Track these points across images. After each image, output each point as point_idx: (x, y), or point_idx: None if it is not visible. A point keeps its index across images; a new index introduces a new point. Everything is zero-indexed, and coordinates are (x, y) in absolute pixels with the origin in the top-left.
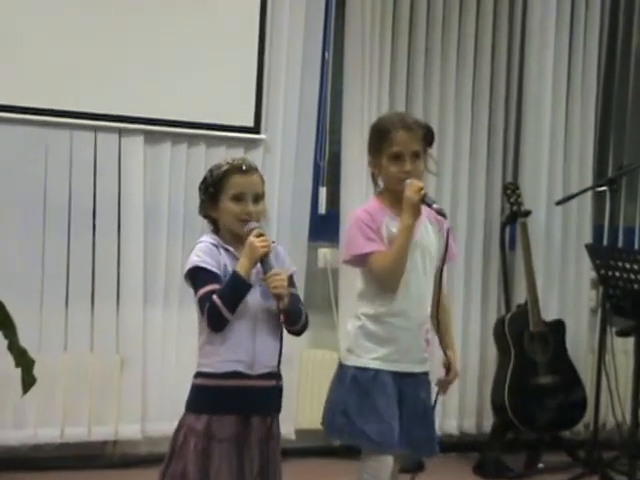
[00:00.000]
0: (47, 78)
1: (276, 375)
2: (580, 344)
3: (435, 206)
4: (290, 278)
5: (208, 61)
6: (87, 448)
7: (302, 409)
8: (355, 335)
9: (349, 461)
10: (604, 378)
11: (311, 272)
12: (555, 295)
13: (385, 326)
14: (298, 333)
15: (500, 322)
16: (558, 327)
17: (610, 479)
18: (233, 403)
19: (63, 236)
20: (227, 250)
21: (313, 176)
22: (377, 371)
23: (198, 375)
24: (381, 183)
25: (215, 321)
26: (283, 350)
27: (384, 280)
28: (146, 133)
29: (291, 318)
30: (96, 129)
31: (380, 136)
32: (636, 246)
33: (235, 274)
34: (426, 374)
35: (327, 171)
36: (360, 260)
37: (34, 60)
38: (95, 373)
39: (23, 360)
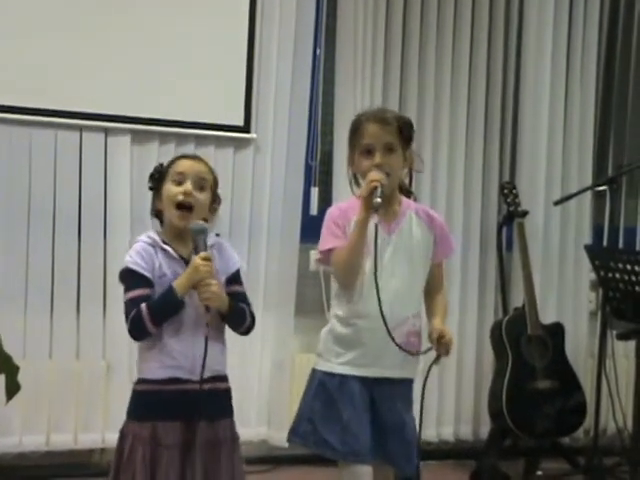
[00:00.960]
0: (31, 76)
1: (221, 378)
2: (580, 348)
3: (374, 201)
4: (236, 275)
5: (197, 58)
6: (73, 456)
7: (294, 414)
8: (325, 338)
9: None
10: (604, 382)
11: (302, 275)
12: (553, 297)
13: (352, 328)
14: (245, 333)
15: (497, 325)
16: (557, 330)
17: None
18: (176, 409)
19: (48, 239)
20: (164, 250)
21: (304, 176)
22: (344, 377)
23: (138, 381)
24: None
25: (136, 331)
26: (275, 355)
27: (338, 277)
28: (133, 132)
29: (232, 322)
30: (81, 128)
31: (353, 130)
32: (637, 247)
33: (170, 289)
34: (406, 381)
35: (319, 171)
36: (327, 257)
37: (17, 58)
38: (81, 379)
39: (7, 366)
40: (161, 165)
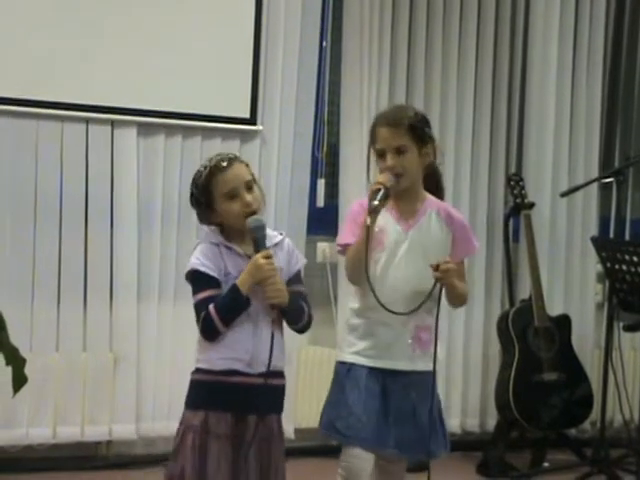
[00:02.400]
0: (37, 68)
1: (279, 374)
2: (586, 340)
3: (372, 202)
4: (297, 274)
5: (203, 51)
6: (80, 448)
7: (301, 408)
8: (343, 330)
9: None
10: (611, 374)
11: (309, 267)
12: (560, 289)
13: (364, 320)
14: (300, 331)
15: (504, 317)
16: (563, 322)
17: (618, 478)
18: (230, 400)
19: (54, 231)
20: (229, 248)
21: (311, 168)
22: (353, 365)
23: (196, 371)
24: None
25: (208, 332)
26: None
27: (346, 273)
28: (139, 125)
29: (290, 318)
30: (88, 121)
31: (370, 134)
32: None
33: (235, 289)
34: (421, 373)
35: (325, 163)
36: (344, 251)
37: (23, 50)
38: (88, 372)
39: (14, 359)
40: (196, 186)
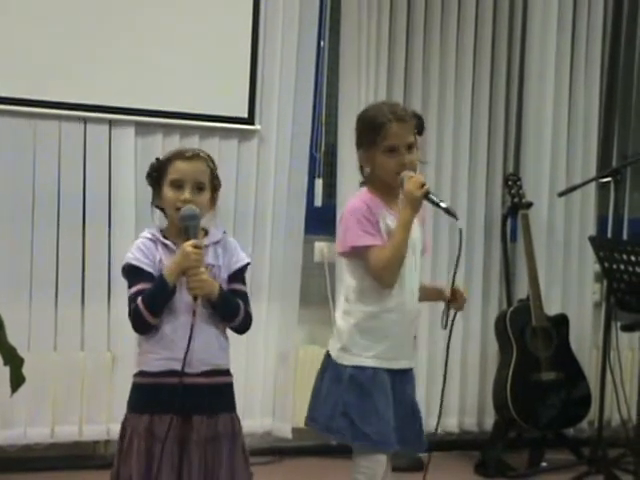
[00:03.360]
0: (35, 68)
1: (221, 372)
2: (584, 339)
3: (443, 205)
4: (238, 272)
5: (201, 50)
6: (78, 448)
7: (299, 407)
8: (350, 333)
9: (346, 460)
10: (609, 374)
11: (307, 266)
12: (558, 289)
13: (381, 322)
14: (238, 331)
15: (501, 317)
16: (561, 322)
17: (615, 478)
18: (172, 402)
19: (52, 231)
20: (165, 245)
21: (309, 168)
22: (375, 369)
23: (136, 374)
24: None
25: (138, 324)
26: (279, 347)
27: (382, 276)
28: (137, 124)
29: (221, 314)
30: (86, 120)
31: (373, 129)
32: None
33: (161, 278)
34: (412, 369)
35: (323, 162)
36: (357, 253)
37: (21, 49)
38: (86, 371)
39: (12, 358)
40: (157, 161)
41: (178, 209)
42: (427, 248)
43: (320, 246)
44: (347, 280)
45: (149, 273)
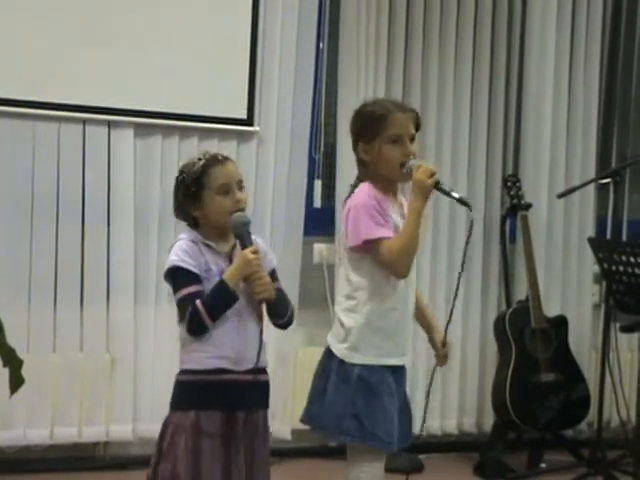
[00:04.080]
0: (34, 69)
1: (263, 370)
2: (583, 340)
3: (455, 194)
4: (272, 273)
5: (200, 51)
6: (77, 449)
7: (298, 409)
8: (360, 332)
9: (345, 461)
10: (608, 375)
11: (306, 268)
12: (557, 290)
13: (390, 320)
14: (284, 326)
15: (500, 318)
16: (560, 323)
17: (615, 479)
18: (218, 398)
19: (51, 232)
20: (208, 246)
21: (308, 169)
22: (383, 368)
23: (182, 372)
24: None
25: (196, 328)
26: (279, 349)
27: (397, 266)
28: (136, 125)
29: (276, 312)
30: (85, 121)
31: (376, 120)
32: None
33: (223, 284)
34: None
35: (322, 164)
36: (369, 246)
37: (20, 51)
38: (85, 373)
39: (11, 360)
40: (187, 173)
41: (233, 212)
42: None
43: (319, 247)
44: (352, 277)
45: (197, 275)
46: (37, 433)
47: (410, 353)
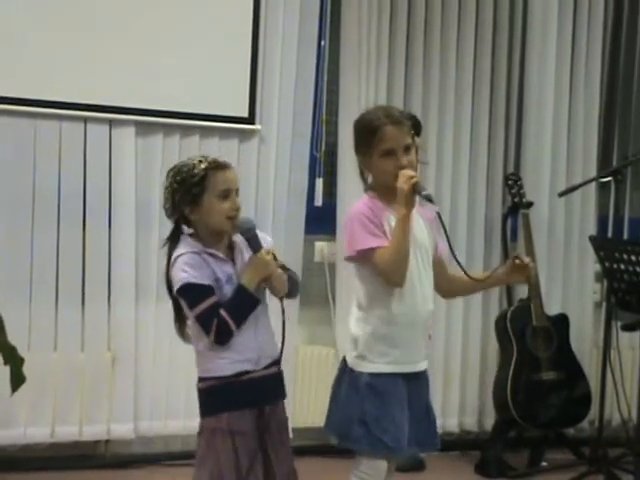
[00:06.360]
0: (36, 68)
1: (278, 361)
2: (584, 339)
3: (424, 192)
4: (274, 256)
5: (201, 50)
6: (78, 448)
7: (299, 407)
8: (366, 340)
9: (346, 460)
10: (609, 374)
11: (307, 266)
12: (558, 289)
13: (396, 327)
14: (295, 296)
15: (502, 317)
16: (562, 321)
17: (616, 477)
18: (246, 398)
19: (52, 231)
20: (211, 254)
21: (309, 167)
22: (391, 376)
23: (204, 380)
24: (370, 180)
25: (224, 337)
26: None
27: (389, 276)
28: (137, 124)
29: (292, 294)
30: (86, 120)
31: (368, 133)
32: None
33: (242, 289)
34: (426, 371)
35: (323, 162)
36: (364, 256)
37: (22, 49)
38: (86, 371)
39: (12, 358)
40: (188, 174)
41: (231, 217)
42: (442, 250)
43: (320, 246)
44: (357, 286)
45: (210, 287)
46: (38, 431)
47: (424, 359)
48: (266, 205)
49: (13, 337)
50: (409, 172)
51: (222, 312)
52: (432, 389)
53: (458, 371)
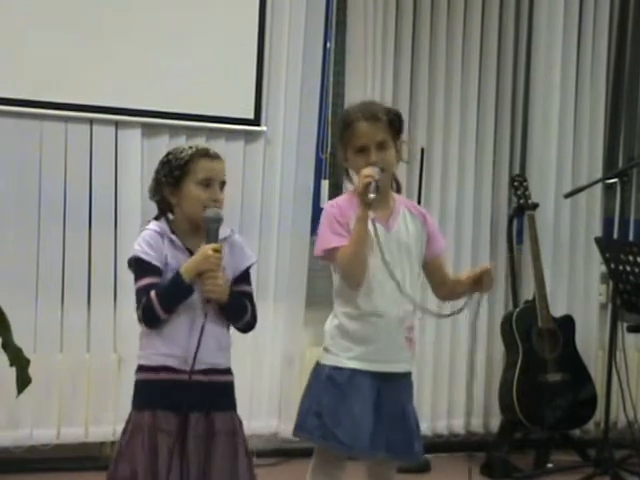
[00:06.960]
0: (41, 69)
1: (220, 371)
2: (590, 340)
3: (368, 195)
4: (245, 273)
5: (207, 52)
6: (84, 449)
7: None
8: (332, 334)
9: (351, 462)
10: (615, 375)
11: (313, 267)
12: (564, 290)
13: (361, 324)
14: (243, 330)
15: (507, 318)
16: (567, 323)
17: (622, 479)
18: (171, 398)
19: (58, 232)
20: (171, 240)
21: (315, 169)
22: (353, 371)
23: (138, 369)
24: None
25: (148, 318)
26: (285, 349)
27: (344, 275)
28: (143, 125)
29: (229, 316)
30: (92, 121)
31: (344, 128)
32: None
33: (178, 276)
34: (408, 375)
35: (329, 164)
36: (330, 255)
37: (28, 50)
38: (92, 373)
39: (18, 359)
40: (174, 157)
41: (205, 208)
42: (435, 249)
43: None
44: (334, 281)
45: (157, 267)
46: (44, 433)
47: (402, 361)
48: (272, 206)
49: (19, 338)
50: (367, 171)
51: (151, 293)
52: (437, 391)
53: (464, 372)
